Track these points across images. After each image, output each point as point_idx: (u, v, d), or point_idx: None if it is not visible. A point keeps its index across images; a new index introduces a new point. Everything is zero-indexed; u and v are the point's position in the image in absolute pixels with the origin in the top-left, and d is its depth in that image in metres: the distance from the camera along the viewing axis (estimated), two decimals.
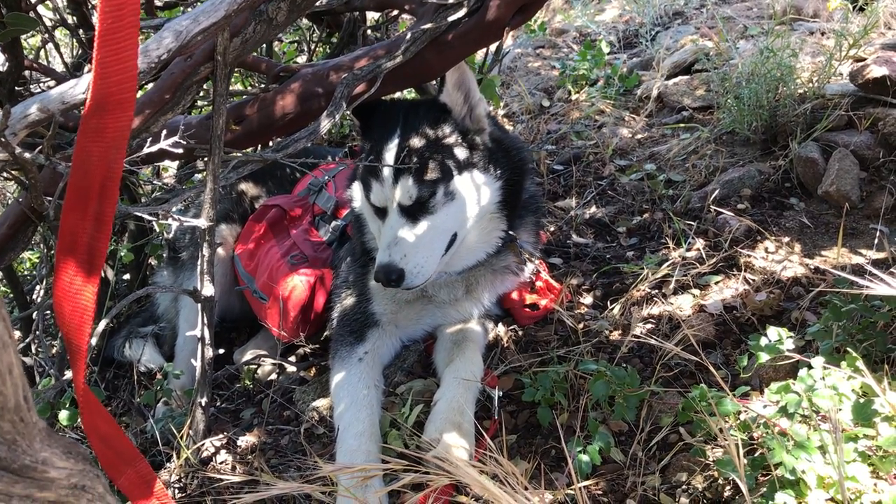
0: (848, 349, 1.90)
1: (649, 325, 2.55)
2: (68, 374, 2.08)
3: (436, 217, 2.40)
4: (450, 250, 2.47)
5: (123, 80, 1.09)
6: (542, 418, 2.22)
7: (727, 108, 3.72)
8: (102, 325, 2.00)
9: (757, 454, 1.76)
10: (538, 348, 2.60)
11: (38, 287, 3.78)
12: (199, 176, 4.19)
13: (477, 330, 2.69)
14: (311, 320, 2.84)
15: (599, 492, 1.96)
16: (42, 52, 4.20)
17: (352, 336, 2.62)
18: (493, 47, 3.66)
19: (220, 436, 2.47)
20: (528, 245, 2.76)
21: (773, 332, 1.98)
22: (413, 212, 2.39)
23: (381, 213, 2.48)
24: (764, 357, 1.95)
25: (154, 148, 1.82)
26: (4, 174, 2.54)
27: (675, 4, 6.12)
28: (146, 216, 1.97)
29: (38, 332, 2.98)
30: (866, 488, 1.57)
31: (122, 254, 3.28)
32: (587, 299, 2.89)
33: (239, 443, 2.46)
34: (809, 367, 1.81)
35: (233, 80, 4.05)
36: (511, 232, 2.63)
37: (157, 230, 3.44)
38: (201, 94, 2.59)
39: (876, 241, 2.69)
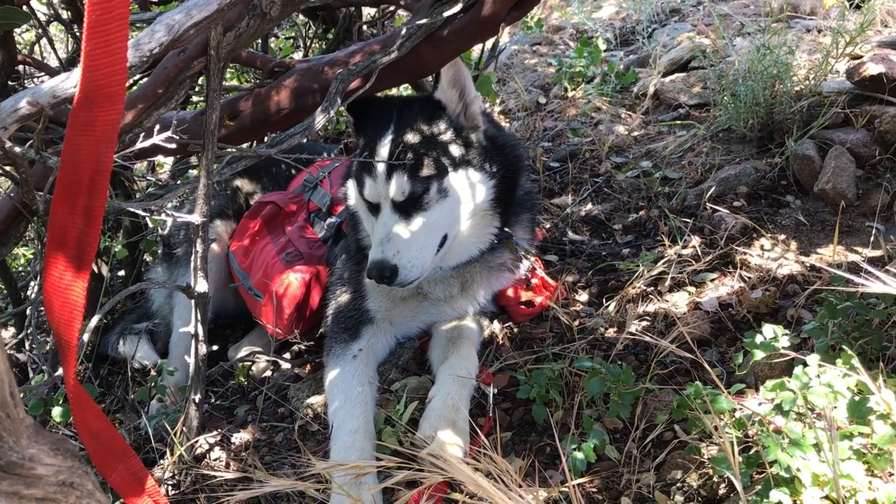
0: (843, 347, 1.90)
1: (645, 323, 2.54)
2: (61, 371, 2.07)
3: (429, 214, 2.39)
4: (443, 247, 2.46)
5: (112, 73, 1.07)
6: (536, 416, 2.21)
7: (724, 106, 3.72)
8: (95, 320, 1.99)
9: (752, 452, 1.76)
10: (533, 345, 2.59)
11: (31, 283, 3.77)
12: (193, 172, 4.18)
13: (472, 327, 2.68)
14: (305, 317, 2.83)
15: (594, 489, 1.96)
16: (36, 48, 4.18)
17: (346, 333, 2.61)
18: (489, 43, 3.66)
19: (214, 433, 2.46)
20: (524, 242, 2.75)
21: (769, 330, 1.98)
22: (406, 208, 2.38)
23: (375, 209, 2.47)
24: (759, 354, 1.94)
25: (147, 143, 1.80)
26: None
27: (672, 2, 6.11)
28: (140, 212, 1.96)
29: (30, 329, 2.98)
30: (861, 486, 1.56)
31: (117, 250, 3.27)
32: (583, 296, 2.88)
33: (233, 440, 2.45)
34: (805, 364, 1.81)
35: (227, 75, 4.03)
36: (506, 229, 2.63)
37: (152, 226, 3.43)
38: (195, 89, 2.58)
39: (872, 238, 2.69)
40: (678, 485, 1.90)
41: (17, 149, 1.47)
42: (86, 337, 1.92)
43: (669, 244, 2.94)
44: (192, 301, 2.20)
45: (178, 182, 3.40)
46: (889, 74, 3.07)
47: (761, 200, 3.15)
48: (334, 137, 4.88)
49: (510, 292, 2.79)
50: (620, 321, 2.59)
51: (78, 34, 3.15)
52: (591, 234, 3.37)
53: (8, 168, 2.11)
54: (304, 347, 2.96)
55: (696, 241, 2.91)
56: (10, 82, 2.58)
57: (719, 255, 2.77)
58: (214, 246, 3.17)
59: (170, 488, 2.22)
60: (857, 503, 1.56)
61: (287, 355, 3.03)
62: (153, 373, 3.13)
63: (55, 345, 3.12)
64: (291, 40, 5.12)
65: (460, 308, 2.72)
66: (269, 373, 2.94)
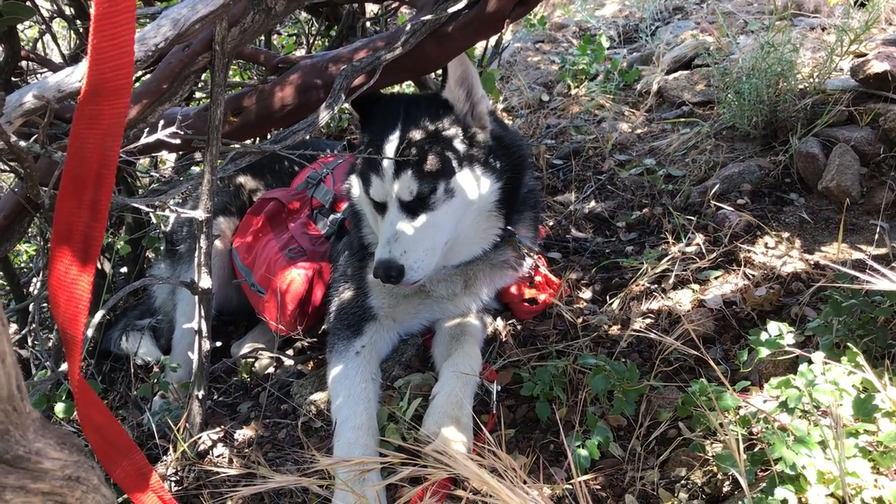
0: (848, 344, 1.89)
1: (648, 320, 2.54)
2: (64, 367, 2.07)
3: (436, 214, 2.39)
4: (445, 246, 2.46)
5: (119, 66, 1.07)
6: (540, 413, 2.21)
7: (727, 103, 3.71)
8: (99, 316, 1.99)
9: (756, 449, 1.76)
10: (537, 343, 2.59)
11: (34, 279, 3.76)
12: (196, 168, 4.17)
13: (475, 324, 2.67)
14: (308, 314, 2.82)
15: (598, 486, 1.95)
16: (39, 44, 4.17)
17: (349, 330, 2.61)
18: (492, 41, 3.65)
19: (217, 429, 2.46)
20: (527, 240, 2.75)
21: (774, 327, 1.98)
22: (413, 207, 2.38)
23: (380, 207, 2.46)
24: (764, 352, 1.94)
25: (151, 138, 1.80)
26: (0, 164, 2.52)
27: None
28: (143, 208, 1.95)
29: (34, 325, 2.97)
30: (867, 484, 1.56)
31: (119, 246, 3.26)
32: (586, 294, 2.87)
33: (236, 436, 2.45)
34: (810, 362, 1.80)
35: (231, 72, 4.02)
36: (510, 227, 2.62)
37: (155, 222, 3.42)
38: (199, 85, 2.57)
39: (876, 236, 2.68)
40: (682, 482, 1.89)
41: (22, 143, 1.47)
42: (89, 332, 1.92)
43: (673, 242, 2.93)
44: (196, 297, 2.20)
45: (182, 178, 3.40)
46: (894, 72, 3.07)
47: (765, 198, 3.14)
48: (337, 135, 4.87)
49: (513, 289, 2.78)
50: (624, 319, 2.59)
51: (81, 30, 3.14)
52: (594, 232, 3.37)
53: (12, 163, 2.11)
54: (306, 344, 2.95)
55: (699, 238, 2.90)
56: (13, 78, 2.57)
57: (723, 253, 2.76)
58: (217, 242, 3.17)
59: (173, 485, 2.22)
60: (862, 501, 1.56)
61: (290, 352, 3.02)
62: (156, 369, 3.13)
63: (58, 341, 3.13)
64: (294, 37, 5.11)
65: (463, 306, 2.71)
66: (271, 369, 2.93)
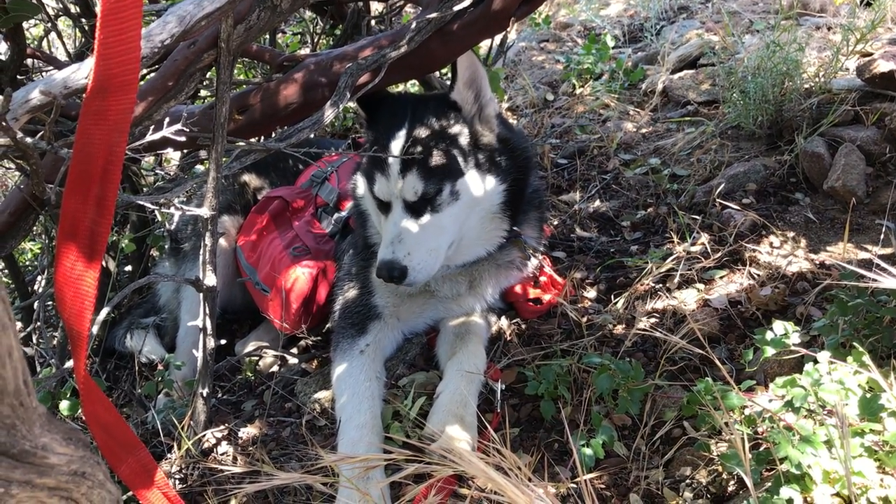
0: (854, 344, 1.89)
1: (653, 320, 2.54)
2: (69, 364, 2.07)
3: (441, 215, 2.39)
4: (450, 248, 2.46)
5: (126, 62, 1.07)
6: (544, 412, 2.21)
7: (732, 103, 3.70)
8: (104, 313, 1.99)
9: (762, 449, 1.75)
10: (541, 342, 2.59)
11: (39, 277, 3.77)
12: (200, 167, 4.18)
13: (480, 323, 2.67)
14: (313, 312, 2.83)
15: (602, 485, 1.95)
16: (45, 43, 4.18)
17: (353, 328, 2.61)
18: (497, 40, 3.65)
19: (222, 427, 2.46)
20: (532, 240, 2.74)
21: (779, 327, 1.97)
22: (418, 208, 2.38)
23: (385, 207, 2.46)
24: (770, 351, 1.94)
25: (157, 136, 1.80)
26: (6, 161, 2.52)
27: None
28: (148, 205, 1.95)
29: (38, 323, 2.98)
30: (872, 483, 1.56)
31: (124, 245, 3.27)
32: (591, 293, 2.87)
33: (240, 434, 2.45)
34: (815, 361, 1.80)
35: (235, 71, 4.03)
36: (515, 228, 2.62)
37: (160, 220, 3.42)
38: (204, 83, 2.57)
39: (882, 236, 2.67)
40: (687, 482, 1.89)
41: (28, 140, 1.47)
42: (95, 329, 1.92)
43: (678, 241, 2.93)
44: (201, 295, 2.20)
45: (187, 176, 3.40)
46: None
47: (770, 198, 3.14)
48: (341, 133, 4.88)
49: (518, 289, 2.78)
50: (629, 318, 2.59)
51: (86, 28, 3.15)
52: (599, 231, 3.36)
53: (18, 160, 2.11)
54: (311, 342, 2.95)
55: (704, 237, 2.89)
56: (18, 76, 2.57)
57: (728, 253, 2.76)
58: (222, 241, 3.17)
59: (177, 482, 2.22)
60: (868, 500, 1.55)
61: (294, 350, 3.03)
62: (160, 367, 3.13)
63: (63, 339, 3.13)
64: (299, 36, 5.12)
65: (468, 306, 2.71)
66: (276, 368, 2.94)
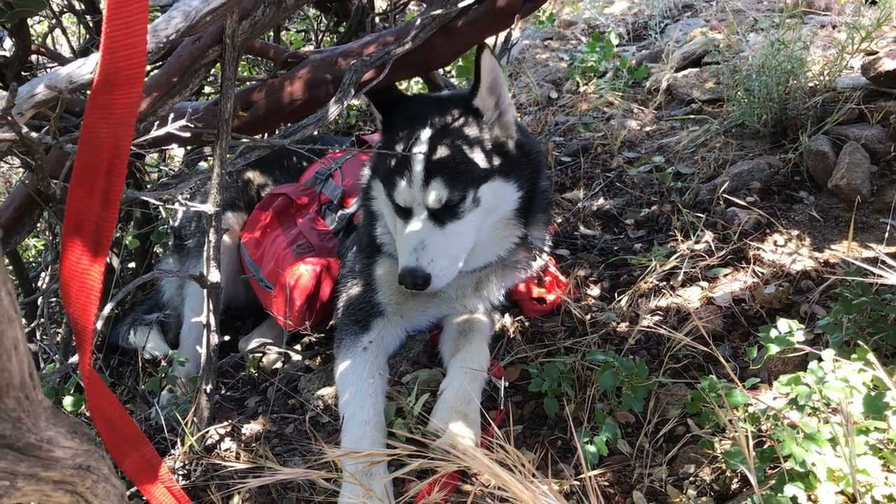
0: (858, 342, 1.88)
1: (657, 317, 2.53)
2: (73, 359, 2.08)
3: (463, 223, 2.38)
4: (468, 254, 2.46)
5: (132, 56, 1.07)
6: (548, 409, 2.20)
7: (737, 101, 3.70)
8: (107, 309, 1.99)
9: (766, 446, 1.75)
10: (545, 339, 2.58)
11: (43, 274, 3.78)
12: (203, 164, 4.18)
13: (483, 321, 2.67)
14: (316, 309, 2.83)
15: (606, 483, 1.95)
16: (49, 39, 4.19)
17: (357, 325, 2.61)
18: (501, 37, 3.65)
19: (225, 423, 2.46)
20: (538, 241, 2.74)
21: (784, 324, 1.96)
22: (440, 216, 2.37)
23: (405, 212, 2.44)
24: (774, 349, 1.93)
25: (161, 131, 1.80)
26: (10, 157, 2.52)
27: None
28: (153, 201, 1.96)
29: (42, 319, 2.99)
30: (877, 481, 1.55)
31: (128, 241, 3.27)
32: (594, 291, 2.87)
33: (243, 431, 2.46)
34: (820, 359, 1.79)
35: (239, 68, 4.03)
36: (526, 232, 2.63)
37: (164, 216, 3.43)
38: (209, 79, 2.57)
39: (886, 235, 2.67)
40: (691, 479, 1.89)
41: (34, 134, 1.47)
42: (99, 325, 1.92)
43: (682, 239, 2.92)
44: (205, 290, 2.20)
45: (191, 172, 3.40)
46: None
47: (774, 196, 3.13)
48: (345, 130, 4.88)
49: (522, 287, 2.78)
50: (632, 315, 2.58)
51: (90, 24, 3.15)
52: (602, 229, 3.36)
53: (23, 155, 2.11)
54: (314, 339, 2.96)
55: (708, 236, 2.89)
56: (23, 72, 2.58)
57: (732, 251, 2.75)
58: (226, 238, 3.17)
59: (180, 478, 2.22)
60: (872, 498, 1.55)
61: (298, 347, 3.03)
62: (164, 363, 3.13)
63: (67, 334, 3.14)
64: (303, 33, 5.11)
65: (472, 305, 2.71)
66: (279, 364, 2.94)
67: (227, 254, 3.16)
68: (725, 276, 2.68)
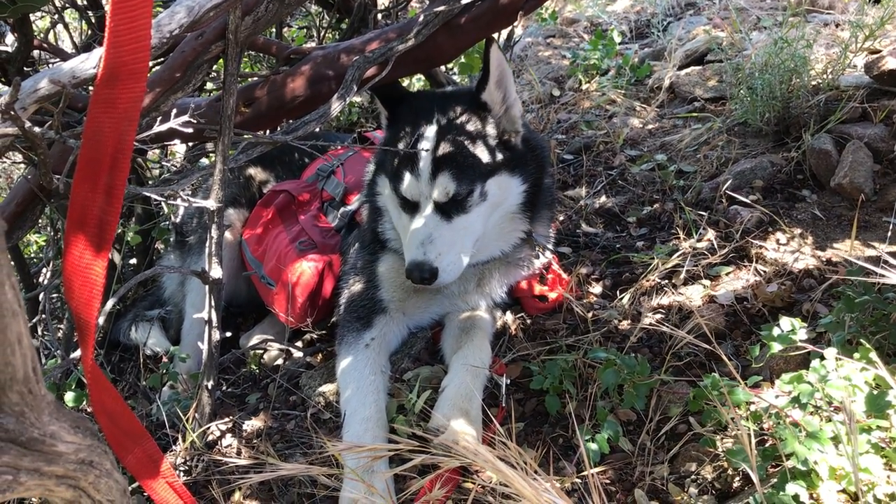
0: (861, 341, 1.88)
1: (659, 315, 2.53)
2: (75, 354, 2.08)
3: (469, 216, 2.38)
4: (474, 248, 2.45)
5: (137, 50, 1.07)
6: (549, 406, 2.20)
7: (739, 99, 3.69)
8: (110, 304, 1.99)
9: (768, 445, 1.75)
10: (546, 337, 2.58)
11: (44, 270, 3.78)
12: (205, 161, 4.18)
13: (485, 318, 2.67)
14: (318, 306, 2.82)
15: (607, 481, 1.95)
16: (51, 35, 4.18)
17: (359, 322, 2.60)
18: (504, 34, 3.64)
19: (226, 420, 2.46)
20: (542, 238, 2.74)
21: (786, 322, 1.96)
22: (447, 209, 2.36)
23: (411, 206, 2.43)
24: (776, 347, 1.93)
25: (164, 127, 1.80)
26: (12, 154, 2.52)
27: None
28: (155, 196, 1.95)
29: (44, 315, 2.99)
30: (879, 480, 1.55)
31: (129, 237, 3.27)
32: (596, 288, 2.87)
33: (244, 427, 2.45)
34: (822, 357, 1.79)
35: (241, 65, 4.03)
36: (530, 227, 2.63)
37: (166, 212, 3.43)
38: (211, 75, 2.57)
39: (889, 234, 2.66)
40: (692, 477, 1.89)
41: (37, 129, 1.47)
42: (100, 320, 1.92)
43: (684, 237, 2.92)
44: (207, 287, 2.20)
45: (193, 168, 3.40)
46: None
47: (777, 194, 3.12)
48: (347, 128, 4.87)
49: (524, 284, 2.78)
50: (634, 313, 2.58)
51: (93, 20, 3.15)
52: (604, 227, 3.35)
53: (26, 150, 2.11)
54: (316, 336, 2.95)
55: (711, 234, 2.89)
56: (25, 68, 2.58)
57: (734, 249, 2.75)
58: (227, 234, 3.17)
59: (181, 474, 2.22)
60: (875, 497, 1.55)
61: (299, 344, 3.03)
62: (165, 360, 3.14)
63: (69, 330, 3.14)
64: (305, 30, 5.11)
65: (474, 302, 2.71)
66: (280, 361, 2.94)
67: (228, 250, 3.15)
68: (727, 274, 2.67)
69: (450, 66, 4.51)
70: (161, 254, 3.82)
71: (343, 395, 2.35)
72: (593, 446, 1.97)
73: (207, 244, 2.17)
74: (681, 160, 3.63)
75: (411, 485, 1.91)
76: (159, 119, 1.89)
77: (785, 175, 3.20)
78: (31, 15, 2.44)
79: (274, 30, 4.10)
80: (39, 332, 3.23)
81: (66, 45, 3.84)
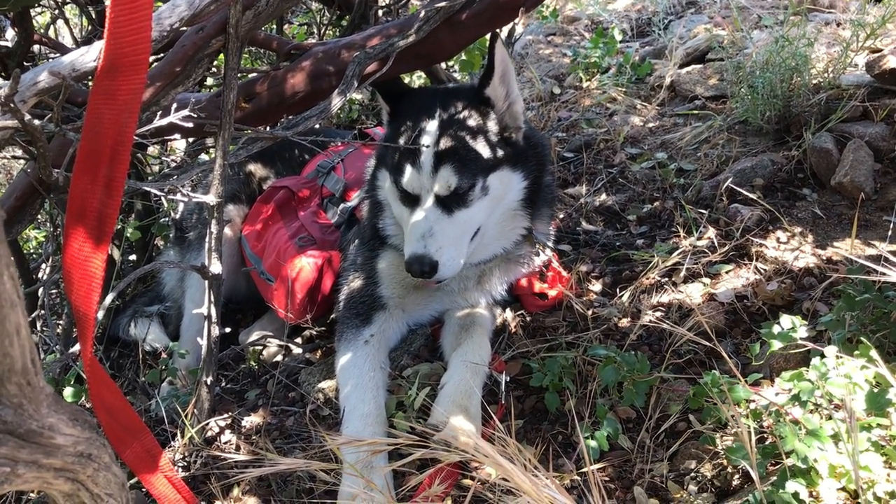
0: (861, 339, 1.88)
1: (658, 313, 2.53)
2: (74, 349, 2.07)
3: (470, 210, 2.37)
4: (473, 244, 2.45)
5: (137, 41, 1.06)
6: (549, 403, 2.20)
7: (740, 98, 3.68)
8: (109, 299, 1.99)
9: (768, 442, 1.75)
10: (546, 334, 2.58)
11: (43, 265, 3.78)
12: (204, 157, 4.17)
13: (485, 315, 2.67)
14: (317, 302, 2.82)
15: (606, 478, 1.95)
16: (51, 30, 4.18)
17: (358, 319, 2.60)
18: (504, 31, 3.63)
19: (225, 415, 2.46)
20: (542, 236, 2.74)
21: (787, 320, 1.96)
22: (448, 203, 2.36)
23: (412, 200, 2.43)
24: (777, 345, 1.93)
25: (164, 121, 1.79)
26: (10, 149, 2.52)
27: None
28: (155, 191, 1.95)
29: (43, 310, 2.98)
30: (879, 478, 1.55)
31: (129, 233, 3.26)
32: (596, 286, 2.86)
33: (243, 423, 2.45)
34: (822, 355, 1.79)
35: (241, 60, 4.02)
36: (531, 225, 2.62)
37: (165, 207, 3.42)
38: (211, 71, 2.56)
39: (889, 232, 2.66)
40: (692, 475, 1.89)
41: (36, 122, 1.46)
42: (99, 315, 1.92)
43: (684, 235, 2.92)
44: (206, 282, 2.19)
45: (193, 163, 3.39)
46: None
47: (777, 193, 3.12)
48: (347, 125, 4.86)
49: (524, 282, 2.77)
50: (634, 311, 2.58)
51: (93, 15, 3.14)
52: (605, 225, 3.35)
53: (25, 143, 2.10)
54: (315, 332, 2.95)
55: (711, 232, 2.88)
56: (25, 62, 2.57)
57: (735, 247, 2.75)
58: (227, 230, 3.16)
59: (180, 469, 2.21)
60: (874, 495, 1.54)
61: (298, 340, 3.02)
62: (164, 355, 3.13)
63: (68, 325, 3.14)
64: (305, 27, 5.10)
65: (473, 299, 2.71)
66: (280, 357, 2.93)
67: (228, 246, 3.15)
68: (728, 272, 2.67)
69: (450, 63, 4.51)
70: (160, 250, 3.81)
71: (342, 391, 2.35)
72: (593, 444, 1.97)
73: (207, 239, 2.16)
74: (681, 158, 3.62)
75: (410, 480, 1.91)
76: (159, 114, 1.89)
77: (785, 173, 3.20)
78: (31, 10, 2.44)
79: (274, 26, 4.09)
80: (38, 328, 3.22)
81: (67, 41, 3.84)
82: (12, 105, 1.33)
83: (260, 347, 2.99)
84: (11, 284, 0.81)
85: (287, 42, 2.62)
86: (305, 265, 2.76)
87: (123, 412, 1.45)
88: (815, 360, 1.78)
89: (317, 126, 2.31)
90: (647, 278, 2.71)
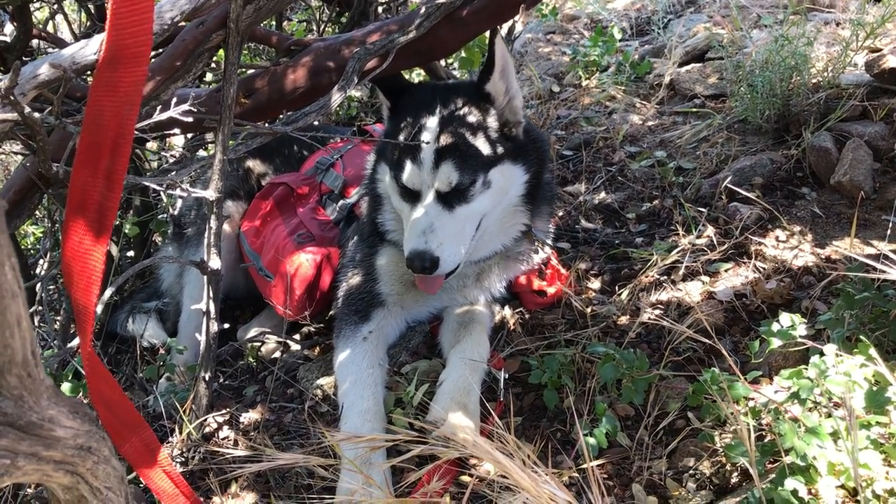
0: (860, 337, 1.88)
1: (658, 311, 2.53)
2: (73, 343, 2.07)
3: (471, 206, 2.37)
4: (474, 240, 2.45)
5: (139, 33, 1.06)
6: (548, 401, 2.20)
7: (740, 97, 3.69)
8: (108, 294, 1.98)
9: (767, 440, 1.75)
10: (545, 331, 2.58)
11: (41, 261, 3.77)
12: (203, 153, 4.16)
13: (484, 312, 2.66)
14: (316, 299, 2.81)
15: (605, 475, 1.95)
16: (50, 25, 4.17)
17: (357, 315, 2.60)
18: (504, 29, 3.63)
19: (223, 412, 2.46)
20: (542, 233, 2.74)
21: (786, 318, 1.96)
22: (449, 199, 2.35)
23: (412, 196, 2.42)
24: (776, 342, 1.93)
25: (164, 115, 1.79)
26: (10, 143, 2.51)
27: None
28: (154, 186, 1.94)
29: (41, 306, 2.97)
30: (878, 476, 1.55)
31: (127, 229, 3.26)
32: (595, 284, 2.86)
33: (242, 419, 2.45)
34: (821, 353, 1.79)
35: (241, 56, 4.01)
36: (530, 222, 2.62)
37: (164, 202, 3.41)
38: (211, 66, 2.56)
39: (888, 231, 2.66)
40: (690, 472, 1.89)
41: (36, 115, 1.46)
42: (98, 310, 1.91)
43: (683, 233, 2.92)
44: (205, 277, 2.19)
45: (192, 158, 3.39)
46: None
47: (776, 192, 3.12)
48: (346, 122, 4.86)
49: (523, 279, 2.77)
50: (633, 309, 2.58)
51: (92, 10, 3.13)
52: (604, 223, 3.35)
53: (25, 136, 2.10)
54: (313, 329, 2.95)
55: (710, 230, 2.89)
56: (24, 57, 2.56)
57: (734, 245, 2.75)
58: (225, 226, 3.16)
59: (178, 465, 2.21)
60: (873, 493, 1.55)
61: (297, 336, 3.02)
62: (162, 351, 3.13)
63: (66, 321, 3.13)
64: (305, 24, 5.09)
65: (472, 297, 2.71)
66: (278, 354, 2.93)
67: (226, 242, 3.14)
68: (727, 270, 2.67)
69: (450, 60, 4.51)
70: (159, 246, 3.80)
71: (341, 387, 2.34)
72: (591, 441, 1.97)
73: (206, 235, 2.16)
74: (680, 157, 3.63)
75: (409, 477, 1.91)
76: (159, 108, 1.88)
77: (785, 172, 3.20)
78: (30, 5, 2.43)
79: (274, 22, 4.09)
80: (36, 323, 3.21)
81: (66, 36, 3.83)
82: (12, 97, 1.32)
83: (258, 344, 2.98)
84: (12, 275, 0.80)
85: (287, 38, 2.62)
86: (304, 261, 2.76)
87: (122, 407, 1.44)
88: (815, 358, 1.78)
89: (316, 122, 2.31)
90: (646, 276, 2.71)
